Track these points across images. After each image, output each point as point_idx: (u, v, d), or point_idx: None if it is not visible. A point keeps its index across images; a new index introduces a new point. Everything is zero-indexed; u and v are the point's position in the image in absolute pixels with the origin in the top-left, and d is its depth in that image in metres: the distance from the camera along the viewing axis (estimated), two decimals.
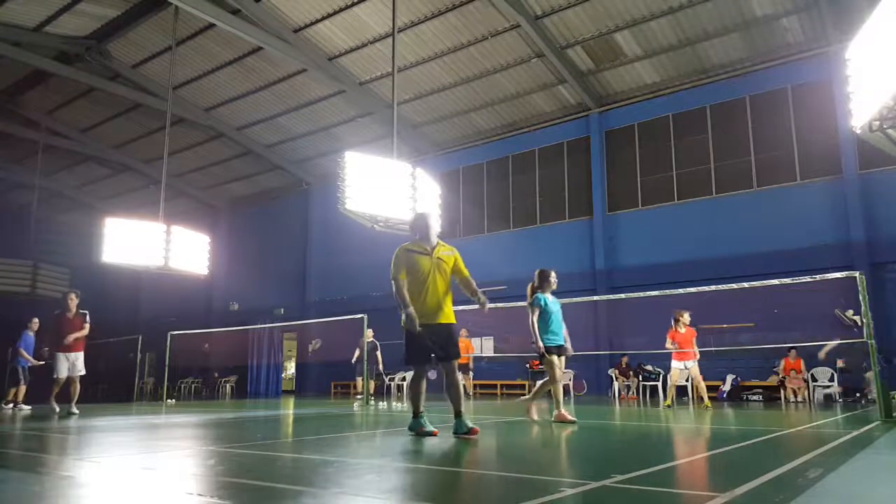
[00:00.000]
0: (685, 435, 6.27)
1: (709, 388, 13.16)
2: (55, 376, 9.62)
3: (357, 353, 14.25)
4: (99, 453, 4.79)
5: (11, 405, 11.70)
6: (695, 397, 12.51)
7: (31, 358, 12.13)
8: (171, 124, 15.78)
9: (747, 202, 15.11)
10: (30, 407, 11.63)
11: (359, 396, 14.06)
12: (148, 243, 12.17)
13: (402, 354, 5.35)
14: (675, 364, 10.96)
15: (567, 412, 6.80)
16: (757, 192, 15.10)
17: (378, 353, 14.34)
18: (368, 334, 14.13)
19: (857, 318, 11.47)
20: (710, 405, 10.70)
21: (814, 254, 13.74)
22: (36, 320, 12.32)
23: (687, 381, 11.66)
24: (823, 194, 14.29)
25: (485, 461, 4.32)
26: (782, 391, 13.12)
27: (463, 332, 14.62)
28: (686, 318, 10.92)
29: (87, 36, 17.09)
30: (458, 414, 5.22)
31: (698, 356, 10.84)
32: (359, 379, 14.40)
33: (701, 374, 11.23)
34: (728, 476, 3.54)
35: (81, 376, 9.73)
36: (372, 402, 13.20)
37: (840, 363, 13.19)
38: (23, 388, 12.07)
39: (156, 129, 21.02)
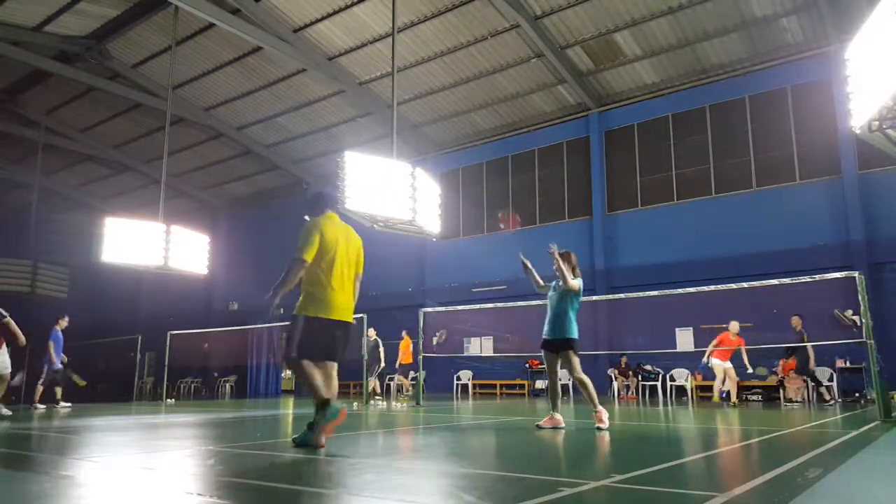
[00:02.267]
0: (685, 435, 6.27)
1: (708, 388, 13.22)
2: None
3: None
4: (99, 453, 4.79)
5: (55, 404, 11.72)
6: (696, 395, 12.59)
7: (55, 358, 12.05)
8: (171, 124, 15.77)
9: (747, 202, 15.12)
10: (44, 406, 11.64)
11: (377, 397, 14.05)
12: (148, 243, 12.14)
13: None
14: (715, 363, 11.66)
15: (556, 416, 6.08)
16: (756, 192, 15.11)
17: (381, 350, 14.32)
18: (370, 333, 14.16)
19: (856, 318, 11.49)
20: (736, 402, 11.40)
21: (813, 254, 13.75)
22: (66, 318, 12.30)
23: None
24: (823, 194, 14.29)
25: (485, 461, 4.33)
26: (781, 391, 13.12)
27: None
28: (736, 324, 11.56)
29: (87, 36, 17.08)
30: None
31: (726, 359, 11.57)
32: (370, 379, 14.41)
33: (699, 373, 11.46)
34: (728, 476, 3.55)
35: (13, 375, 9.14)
36: (373, 402, 13.21)
37: (841, 363, 13.20)
38: (40, 389, 12.03)
39: (156, 129, 21.03)
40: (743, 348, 11.55)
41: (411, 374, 18.10)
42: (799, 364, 12.25)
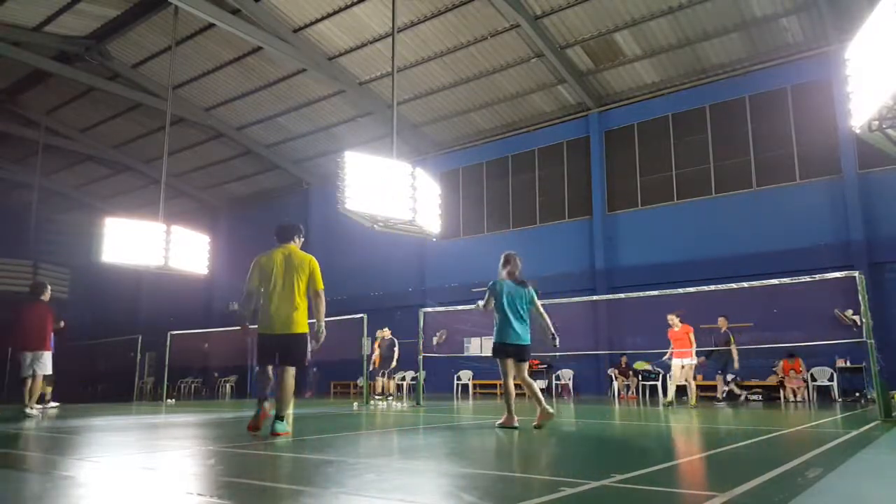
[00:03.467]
0: (685, 435, 6.27)
1: (708, 388, 13.21)
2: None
3: (377, 352, 14.24)
4: (99, 453, 4.79)
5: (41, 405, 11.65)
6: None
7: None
8: (171, 124, 15.77)
9: (747, 202, 15.12)
10: (57, 404, 11.61)
11: (390, 397, 14.07)
12: (148, 243, 12.13)
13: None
14: (673, 362, 11.30)
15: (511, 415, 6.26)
16: (756, 191, 15.11)
17: (395, 350, 14.26)
18: (385, 333, 14.15)
19: (856, 317, 11.50)
20: (695, 404, 11.03)
21: (813, 254, 13.75)
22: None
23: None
24: (823, 194, 14.29)
25: (485, 461, 4.33)
26: (781, 391, 13.14)
27: (387, 332, 14.62)
28: (673, 317, 11.16)
29: (87, 36, 17.08)
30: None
31: (693, 354, 11.13)
32: (385, 379, 14.40)
33: (700, 373, 11.40)
34: (728, 476, 3.55)
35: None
36: (373, 402, 13.21)
37: (841, 362, 13.20)
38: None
39: (156, 129, 21.03)
40: (691, 335, 11.15)
41: (409, 374, 18.11)
42: (720, 364, 12.02)
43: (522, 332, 6.34)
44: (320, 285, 5.65)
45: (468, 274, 18.63)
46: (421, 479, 3.41)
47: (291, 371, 5.53)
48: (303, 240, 5.93)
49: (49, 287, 9.80)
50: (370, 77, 17.82)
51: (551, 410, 6.21)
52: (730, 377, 12.44)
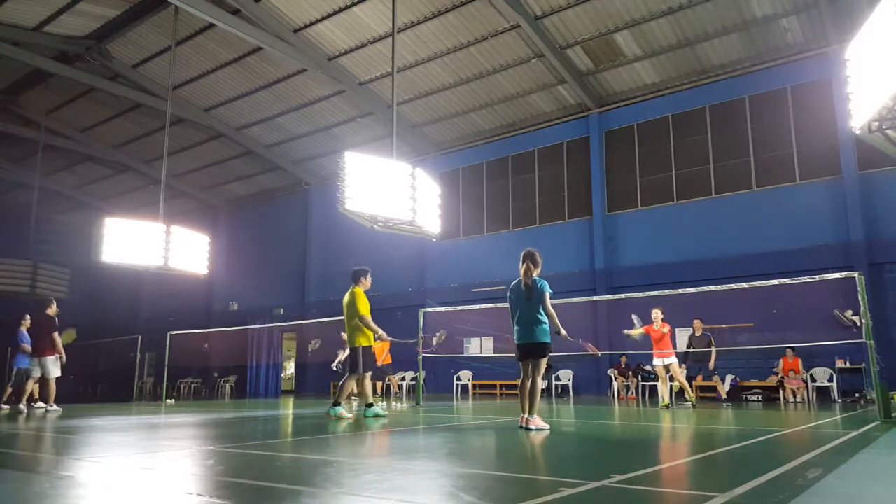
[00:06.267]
0: (684, 435, 6.27)
1: (708, 388, 13.19)
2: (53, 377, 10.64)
3: (342, 355, 14.25)
4: (99, 453, 4.79)
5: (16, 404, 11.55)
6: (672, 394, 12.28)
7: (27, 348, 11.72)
8: (171, 124, 15.76)
9: (747, 202, 15.11)
10: (11, 407, 11.43)
11: (355, 401, 14.03)
12: (148, 243, 12.12)
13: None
14: (654, 362, 11.10)
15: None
16: (756, 192, 15.10)
17: (341, 351, 14.27)
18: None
19: (856, 318, 11.49)
20: (693, 400, 10.92)
21: (813, 254, 13.75)
22: (28, 317, 11.72)
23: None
24: (823, 194, 14.29)
25: (485, 461, 4.33)
26: (781, 391, 13.13)
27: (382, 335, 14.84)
28: (657, 313, 10.88)
29: (87, 36, 17.08)
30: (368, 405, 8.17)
31: (674, 353, 10.97)
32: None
33: (701, 374, 11.31)
34: (728, 476, 3.55)
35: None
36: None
37: (841, 363, 13.20)
38: (8, 388, 11.90)
39: (156, 129, 21.02)
40: (665, 330, 10.80)
41: (409, 374, 18.08)
42: (698, 366, 11.65)
43: (524, 332, 6.25)
44: (360, 311, 7.82)
45: (468, 274, 18.65)
46: (421, 480, 3.41)
47: (352, 377, 8.12)
48: (369, 280, 8.26)
49: (55, 302, 11.16)
50: (370, 77, 17.82)
51: (531, 426, 5.92)
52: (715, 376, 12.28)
